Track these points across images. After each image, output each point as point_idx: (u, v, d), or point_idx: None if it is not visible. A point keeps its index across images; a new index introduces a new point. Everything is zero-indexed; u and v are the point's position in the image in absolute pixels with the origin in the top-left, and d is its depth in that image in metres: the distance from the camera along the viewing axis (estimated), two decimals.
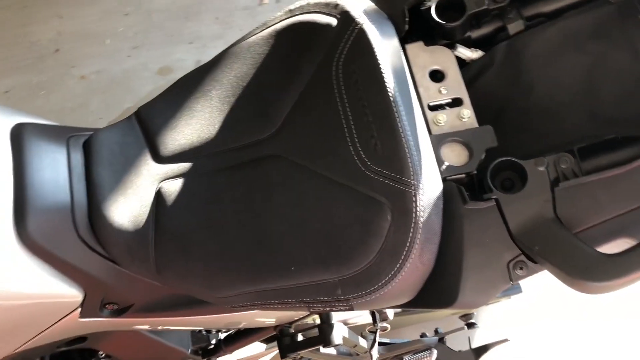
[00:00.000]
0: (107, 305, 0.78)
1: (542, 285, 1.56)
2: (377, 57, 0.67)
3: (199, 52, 2.22)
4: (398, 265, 0.63)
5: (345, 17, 0.71)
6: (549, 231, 0.62)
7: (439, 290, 0.67)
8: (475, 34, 0.76)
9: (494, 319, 1.53)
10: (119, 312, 0.79)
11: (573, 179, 0.64)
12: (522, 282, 1.31)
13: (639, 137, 0.66)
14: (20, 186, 0.67)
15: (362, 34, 0.69)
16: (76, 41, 2.30)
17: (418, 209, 0.62)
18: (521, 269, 0.64)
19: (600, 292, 0.60)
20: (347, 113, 0.68)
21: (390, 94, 0.65)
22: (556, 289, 1.55)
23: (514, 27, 0.75)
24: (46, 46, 2.29)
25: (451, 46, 0.75)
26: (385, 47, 0.69)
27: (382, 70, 0.66)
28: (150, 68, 2.21)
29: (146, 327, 0.86)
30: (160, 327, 0.88)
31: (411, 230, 0.62)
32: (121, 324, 0.82)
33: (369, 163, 0.65)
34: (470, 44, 0.77)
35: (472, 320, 1.27)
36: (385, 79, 0.66)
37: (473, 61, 0.77)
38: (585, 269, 0.59)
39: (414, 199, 0.62)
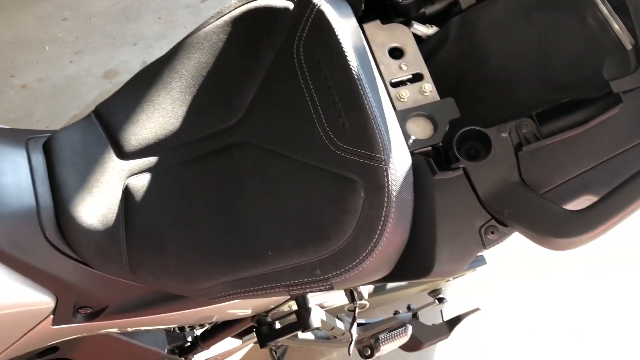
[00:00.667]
0: (80, 310, 0.75)
1: (504, 254, 1.62)
2: (339, 37, 0.67)
3: (144, 52, 2.18)
4: (374, 240, 0.64)
5: (302, 0, 0.71)
6: (516, 194, 0.65)
7: (415, 261, 0.68)
8: (429, 10, 0.78)
9: (461, 292, 1.56)
10: (93, 316, 0.77)
11: (535, 142, 0.66)
12: (486, 254, 1.35)
13: (592, 99, 0.68)
14: None
15: (320, 15, 0.69)
16: (13, 50, 2.21)
17: (390, 183, 0.63)
18: (492, 233, 0.66)
19: (569, 248, 0.63)
20: (312, 94, 0.68)
21: (354, 73, 0.66)
22: (517, 256, 1.63)
23: (466, 1, 0.77)
24: None
25: (407, 23, 0.77)
26: (345, 27, 0.69)
27: (344, 49, 0.67)
28: (95, 73, 2.15)
29: (121, 329, 0.84)
30: (135, 328, 0.86)
31: (385, 204, 0.63)
32: (96, 327, 0.80)
33: (338, 142, 0.66)
34: (425, 20, 0.78)
35: (441, 295, 1.30)
36: (349, 58, 0.66)
37: (429, 37, 0.78)
38: (554, 227, 0.61)
39: (385, 173, 0.63)
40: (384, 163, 0.64)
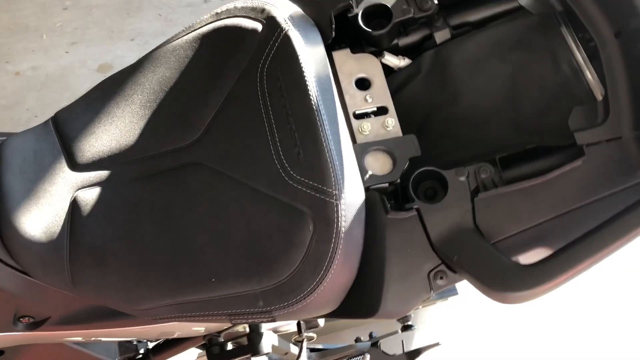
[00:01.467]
0: (21, 319, 0.74)
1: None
2: (301, 64, 0.66)
3: (141, 49, 2.17)
4: (320, 276, 0.62)
5: (271, 23, 0.69)
6: (468, 241, 0.63)
7: (361, 300, 0.66)
8: (402, 41, 0.76)
9: (431, 320, 1.55)
10: (35, 325, 0.76)
11: (492, 189, 0.64)
12: (458, 285, 1.33)
13: (559, 147, 0.67)
14: None
15: (287, 40, 0.67)
16: (10, 36, 2.20)
17: (340, 218, 0.62)
18: (441, 278, 0.64)
19: (516, 302, 0.61)
20: (270, 120, 0.66)
21: (313, 102, 0.64)
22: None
23: (441, 35, 0.76)
24: None
25: (378, 54, 0.75)
26: (310, 54, 0.68)
27: (305, 77, 0.65)
28: (89, 65, 2.14)
29: (65, 339, 0.83)
30: (81, 339, 0.85)
31: (333, 240, 0.62)
32: (39, 337, 0.78)
33: (291, 172, 0.64)
34: (397, 51, 0.77)
35: (409, 323, 1.28)
36: (309, 87, 0.65)
37: (400, 69, 0.77)
38: (501, 280, 0.60)
39: (335, 208, 0.62)
40: (335, 198, 0.62)
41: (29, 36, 2.20)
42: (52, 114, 0.79)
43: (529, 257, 0.63)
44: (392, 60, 0.76)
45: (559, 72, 0.71)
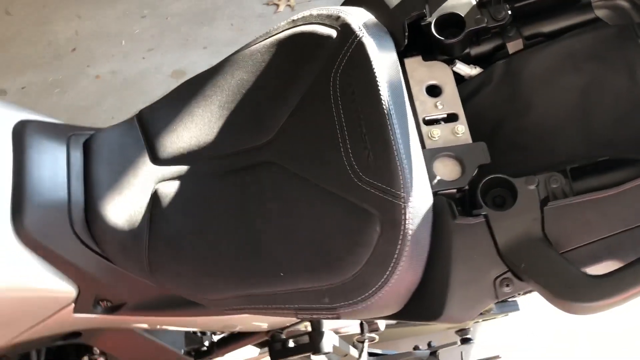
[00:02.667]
0: (100, 302, 0.79)
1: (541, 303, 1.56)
2: (374, 70, 0.68)
3: (213, 56, 2.25)
4: (385, 277, 0.64)
5: (346, 30, 0.72)
6: (536, 249, 0.63)
7: (425, 303, 0.67)
8: (474, 50, 0.77)
9: (490, 336, 1.52)
10: (112, 310, 0.80)
11: (562, 199, 0.64)
12: (520, 300, 1.30)
13: (631, 160, 0.66)
14: (20, 182, 0.69)
15: (360, 46, 0.70)
16: (93, 41, 2.33)
17: (407, 221, 0.63)
18: (507, 285, 0.64)
19: (584, 313, 0.60)
20: (342, 124, 0.69)
21: (384, 107, 0.66)
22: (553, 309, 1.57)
23: (513, 45, 0.76)
24: (63, 45, 2.33)
25: (450, 62, 0.76)
26: (383, 61, 0.70)
27: (378, 83, 0.67)
28: (164, 71, 2.24)
29: (139, 325, 0.87)
30: (153, 327, 0.89)
31: (399, 242, 0.63)
32: (114, 321, 0.83)
33: (360, 174, 0.66)
34: (469, 60, 0.77)
35: (467, 336, 1.27)
36: (381, 92, 0.67)
37: (471, 77, 0.77)
38: (570, 289, 0.59)
39: (403, 211, 0.63)
40: (402, 200, 0.63)
41: (110, 42, 2.33)
42: (128, 117, 0.84)
43: (597, 270, 0.62)
44: (463, 68, 0.76)
45: (636, 85, 0.70)
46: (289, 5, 2.30)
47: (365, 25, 0.72)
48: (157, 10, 2.38)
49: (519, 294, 0.67)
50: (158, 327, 0.91)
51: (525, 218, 0.64)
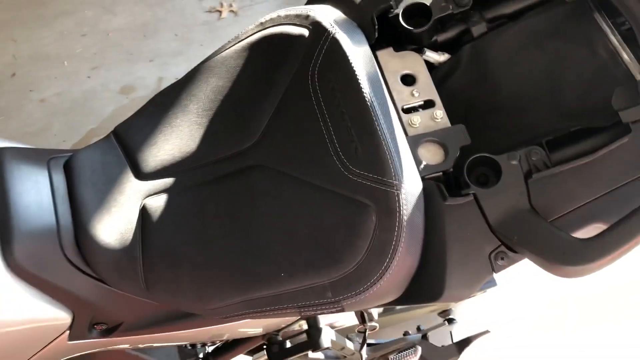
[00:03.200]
0: (95, 326, 0.77)
1: (516, 277, 1.62)
2: (352, 65, 0.69)
3: (161, 69, 2.21)
4: (385, 264, 0.65)
5: (317, 28, 0.73)
6: (525, 221, 0.65)
7: (425, 285, 0.69)
8: (441, 37, 0.80)
9: (471, 313, 1.56)
10: (108, 332, 0.79)
11: (545, 170, 0.67)
12: (496, 276, 1.35)
13: (602, 128, 0.70)
14: (4, 211, 0.67)
15: (335, 43, 0.71)
16: (33, 64, 2.25)
17: (401, 208, 0.65)
18: (502, 259, 0.67)
19: (578, 275, 0.63)
20: (326, 120, 0.70)
21: (367, 99, 0.68)
22: (526, 280, 1.63)
23: (478, 29, 0.79)
24: (2, 71, 2.24)
25: (419, 50, 0.78)
26: (358, 55, 0.71)
27: (357, 77, 0.68)
28: (112, 88, 2.19)
29: (134, 345, 0.86)
30: (147, 345, 0.87)
31: (396, 228, 0.65)
32: (110, 343, 0.81)
33: (350, 167, 0.67)
34: (437, 47, 0.80)
35: (451, 316, 1.30)
36: (362, 85, 0.68)
37: (441, 64, 0.80)
38: (563, 254, 0.62)
39: (397, 198, 0.65)
40: (395, 188, 0.65)
41: (51, 64, 2.25)
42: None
43: (585, 233, 0.66)
44: (433, 56, 0.79)
45: (596, 56, 0.74)
46: (232, 11, 2.29)
47: (336, 22, 0.73)
48: (97, 27, 2.32)
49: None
50: (152, 344, 0.89)
51: (512, 192, 0.67)
